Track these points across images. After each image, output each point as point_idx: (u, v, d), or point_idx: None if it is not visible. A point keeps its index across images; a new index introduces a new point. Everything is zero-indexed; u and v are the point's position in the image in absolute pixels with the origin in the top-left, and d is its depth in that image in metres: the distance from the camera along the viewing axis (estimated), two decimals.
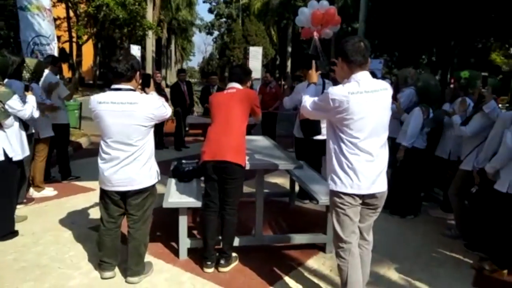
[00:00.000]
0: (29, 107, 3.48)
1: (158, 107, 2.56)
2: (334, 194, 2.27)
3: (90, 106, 2.53)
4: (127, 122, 2.45)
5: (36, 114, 3.60)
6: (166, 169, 3.86)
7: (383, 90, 2.20)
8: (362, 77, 2.17)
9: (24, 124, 3.64)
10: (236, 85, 3.11)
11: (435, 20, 8.47)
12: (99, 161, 2.58)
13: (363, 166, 2.17)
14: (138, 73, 2.55)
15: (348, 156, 2.18)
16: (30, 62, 4.37)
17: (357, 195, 2.21)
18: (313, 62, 2.78)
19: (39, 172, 4.55)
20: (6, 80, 3.56)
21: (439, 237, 3.81)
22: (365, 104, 2.12)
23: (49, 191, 4.65)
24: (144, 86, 2.73)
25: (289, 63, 32.50)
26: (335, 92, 2.15)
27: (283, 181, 5.52)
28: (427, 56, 17.15)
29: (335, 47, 24.63)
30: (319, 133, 4.45)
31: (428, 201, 4.79)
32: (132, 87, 2.52)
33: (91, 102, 2.51)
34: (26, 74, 4.24)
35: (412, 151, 4.14)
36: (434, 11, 8.35)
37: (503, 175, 2.94)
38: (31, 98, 3.59)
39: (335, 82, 5.07)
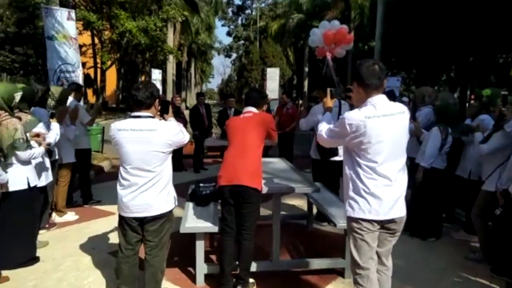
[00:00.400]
0: (53, 134, 3.62)
1: (176, 134, 2.60)
2: (351, 219, 2.24)
3: (110, 134, 2.60)
4: (146, 148, 2.49)
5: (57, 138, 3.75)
6: (184, 192, 3.91)
7: (400, 113, 2.18)
8: (379, 100, 2.16)
9: (48, 150, 3.78)
10: (253, 109, 3.16)
11: (452, 36, 8.40)
12: (118, 187, 2.63)
13: (381, 191, 2.13)
14: (157, 100, 2.61)
15: (365, 181, 2.16)
16: (55, 90, 4.57)
17: (376, 221, 2.17)
18: (328, 89, 2.80)
19: (61, 197, 4.67)
20: (32, 108, 3.73)
21: (462, 261, 3.68)
22: (383, 128, 2.11)
23: (70, 215, 4.76)
24: (163, 113, 2.79)
25: (306, 83, 32.62)
26: (352, 116, 2.15)
27: (301, 203, 5.48)
28: (446, 73, 16.91)
29: (352, 66, 24.65)
30: (336, 154, 4.43)
31: (450, 222, 4.65)
32: (151, 114, 2.57)
33: (111, 129, 2.58)
34: (51, 102, 4.43)
35: (431, 172, 4.05)
36: (451, 27, 8.30)
37: None
38: (55, 126, 3.74)
39: (352, 107, 5.08)
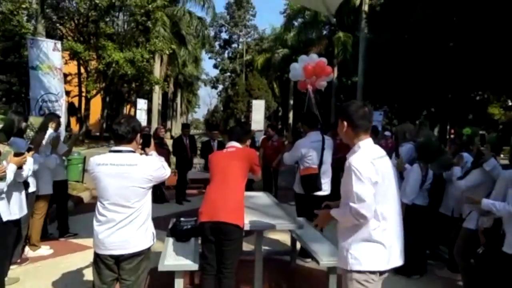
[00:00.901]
0: (26, 169, 3.49)
1: (157, 169, 2.54)
2: (357, 272, 2.04)
3: (89, 168, 2.54)
4: (126, 184, 2.43)
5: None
6: (165, 225, 3.80)
7: (385, 156, 2.18)
8: (369, 143, 2.14)
9: (25, 181, 3.66)
10: (236, 144, 3.16)
11: (431, 73, 8.74)
12: (94, 223, 2.53)
13: (390, 237, 2.01)
14: (138, 135, 2.58)
15: (372, 227, 2.01)
16: (35, 120, 4.49)
17: (384, 271, 2.06)
18: (321, 215, 2.40)
19: (36, 230, 4.49)
20: (11, 139, 3.64)
21: None
22: (385, 169, 2.07)
23: (45, 249, 4.56)
24: (144, 146, 2.75)
25: (291, 114, 33.16)
26: (363, 167, 1.98)
27: (285, 238, 5.38)
28: (427, 108, 17.45)
29: (335, 99, 25.24)
30: (320, 189, 4.42)
31: (434, 259, 4.62)
32: (132, 149, 2.53)
33: (90, 164, 2.53)
34: (30, 132, 4.34)
35: (413, 209, 4.05)
36: (429, 64, 8.64)
37: (510, 235, 2.86)
38: (29, 160, 3.63)
39: (334, 139, 5.12)
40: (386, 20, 9.49)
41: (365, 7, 17.99)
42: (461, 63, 8.23)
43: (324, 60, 8.01)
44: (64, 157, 5.33)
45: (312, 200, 4.45)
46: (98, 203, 2.53)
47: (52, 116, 5.25)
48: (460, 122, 9.20)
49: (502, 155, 4.17)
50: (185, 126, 8.59)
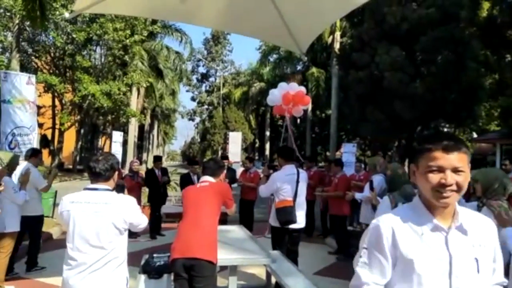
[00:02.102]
0: None
1: (134, 212, 2.41)
2: None
3: (60, 207, 2.40)
4: (100, 223, 2.31)
5: None
6: (138, 261, 3.72)
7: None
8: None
9: None
10: (209, 179, 3.16)
11: (399, 107, 9.16)
12: (64, 267, 2.38)
13: None
14: (116, 173, 2.49)
15: None
16: (4, 155, 4.40)
17: None
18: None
19: (0, 269, 4.28)
20: None
21: None
22: None
23: None
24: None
25: (267, 146, 33.53)
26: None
27: (260, 272, 5.34)
28: (398, 140, 18.07)
29: (310, 131, 25.77)
30: (294, 221, 4.43)
31: None
32: (109, 187, 2.43)
33: (62, 202, 2.40)
34: None
35: None
36: (396, 99, 9.07)
37: None
38: None
39: (309, 170, 5.19)
40: (354, 58, 9.99)
41: (337, 45, 18.89)
42: (425, 97, 8.72)
43: (303, 89, 8.29)
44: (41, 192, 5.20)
45: (288, 233, 4.48)
46: (68, 246, 2.37)
47: (29, 152, 5.20)
48: None
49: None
50: (157, 159, 8.38)
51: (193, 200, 3.02)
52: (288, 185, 4.43)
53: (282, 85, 8.52)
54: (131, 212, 2.39)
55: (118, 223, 2.34)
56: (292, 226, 4.42)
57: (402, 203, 4.00)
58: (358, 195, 5.29)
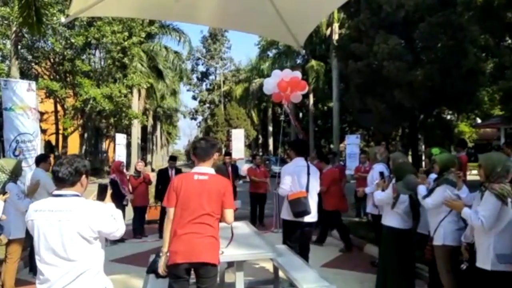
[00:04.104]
0: None
1: (102, 219, 2.15)
2: None
3: (26, 216, 2.20)
4: (64, 232, 2.06)
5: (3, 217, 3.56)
6: (145, 262, 3.75)
7: None
8: None
9: None
10: (208, 170, 2.86)
11: (400, 96, 9.12)
12: (36, 282, 2.18)
13: None
14: (83, 176, 2.23)
15: None
16: (7, 162, 4.43)
17: None
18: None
19: (9, 276, 4.33)
20: None
21: None
22: None
23: None
24: (98, 199, 2.42)
25: (271, 141, 33.56)
26: None
27: (267, 266, 5.36)
28: (401, 129, 18.00)
29: (313, 124, 25.71)
30: (309, 212, 4.30)
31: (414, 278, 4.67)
32: (76, 193, 2.20)
33: (28, 211, 2.19)
34: (2, 175, 4.27)
35: (393, 232, 4.07)
36: (397, 88, 9.01)
37: (480, 250, 2.95)
38: None
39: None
40: (352, 49, 9.94)
41: (335, 36, 18.80)
42: (425, 85, 8.67)
43: (298, 74, 8.24)
44: None
45: (300, 227, 4.37)
46: (36, 258, 2.15)
47: (39, 157, 5.28)
48: (432, 142, 9.57)
49: (474, 171, 4.29)
50: (172, 158, 8.34)
51: (194, 196, 2.75)
52: (299, 177, 4.32)
53: (276, 72, 8.52)
54: (99, 219, 2.13)
55: (84, 232, 2.09)
56: (305, 219, 4.31)
57: (404, 193, 3.98)
58: (368, 190, 5.24)
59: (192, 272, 2.81)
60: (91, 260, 2.14)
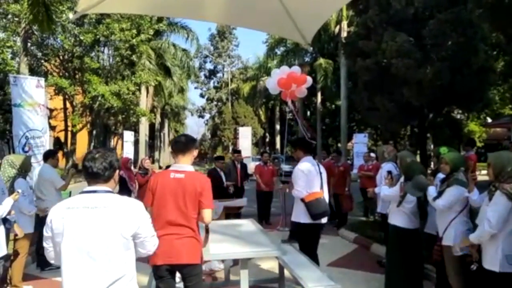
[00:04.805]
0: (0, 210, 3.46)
1: (143, 218, 1.99)
2: None
3: (51, 217, 1.95)
4: (103, 231, 1.88)
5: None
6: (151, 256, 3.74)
7: None
8: None
9: (4, 218, 3.62)
10: (185, 167, 2.75)
11: (408, 95, 9.03)
12: None
13: None
14: (117, 172, 2.10)
15: None
16: (16, 158, 4.47)
17: None
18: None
19: (18, 270, 4.37)
20: None
21: None
22: None
23: None
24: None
25: (278, 139, 33.53)
26: None
27: (273, 265, 5.35)
28: (410, 128, 17.85)
29: (321, 123, 25.59)
30: (329, 213, 4.24)
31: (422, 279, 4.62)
32: (110, 189, 2.04)
33: (56, 210, 1.96)
34: (11, 171, 4.32)
35: (400, 232, 4.03)
36: (405, 86, 8.93)
37: (486, 251, 2.91)
38: (7, 202, 3.59)
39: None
40: (360, 46, 9.85)
41: (344, 34, 18.67)
42: (434, 83, 8.57)
43: (295, 70, 8.25)
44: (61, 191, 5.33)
45: (318, 229, 4.24)
46: (64, 263, 1.89)
47: (47, 153, 5.40)
48: (441, 141, 9.46)
49: (484, 171, 4.23)
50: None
51: (168, 196, 2.66)
52: (312, 177, 4.18)
53: (275, 71, 8.56)
54: (140, 217, 1.97)
55: (126, 231, 1.92)
56: (322, 220, 4.19)
57: (414, 195, 3.90)
58: (377, 190, 5.17)
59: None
60: (128, 264, 1.96)
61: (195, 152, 2.87)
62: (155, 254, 2.48)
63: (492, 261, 2.86)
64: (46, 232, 1.96)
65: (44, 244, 2.01)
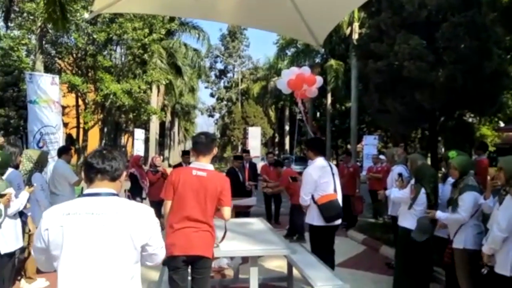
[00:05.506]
0: (16, 205, 3.53)
1: (158, 229, 1.78)
2: None
3: (42, 224, 1.65)
4: (110, 240, 1.62)
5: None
6: None
7: None
8: None
9: (21, 212, 3.72)
10: (206, 166, 2.85)
11: (416, 97, 8.98)
12: None
13: None
14: (124, 172, 1.86)
15: None
16: (33, 153, 4.59)
17: None
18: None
19: (32, 262, 4.47)
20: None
21: None
22: None
23: (41, 282, 4.54)
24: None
25: (287, 140, 33.51)
26: None
27: (281, 264, 5.38)
28: (421, 131, 17.69)
29: (330, 124, 25.51)
30: (342, 215, 4.23)
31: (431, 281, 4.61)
32: (115, 192, 1.75)
33: (48, 216, 1.66)
34: (29, 165, 4.43)
35: (410, 233, 4.02)
36: (417, 89, 8.89)
37: (498, 255, 2.90)
38: (23, 195, 3.67)
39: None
40: (372, 48, 9.80)
41: (355, 36, 18.60)
42: (446, 86, 8.50)
43: (304, 70, 8.32)
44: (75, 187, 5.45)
45: (330, 231, 4.22)
46: (64, 281, 1.60)
47: (61, 149, 5.54)
48: (452, 145, 9.38)
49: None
50: (185, 153, 8.14)
51: (190, 192, 2.75)
52: (325, 179, 4.13)
53: (284, 72, 8.64)
54: (151, 225, 1.74)
55: (137, 242, 1.67)
56: (336, 222, 4.17)
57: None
58: (388, 192, 5.15)
59: None
60: (135, 279, 1.71)
61: (215, 151, 2.97)
62: (173, 244, 2.65)
63: (503, 265, 2.85)
64: (39, 243, 1.65)
65: (34, 255, 1.75)
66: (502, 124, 19.86)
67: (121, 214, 1.66)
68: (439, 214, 3.66)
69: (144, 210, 1.76)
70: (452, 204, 3.52)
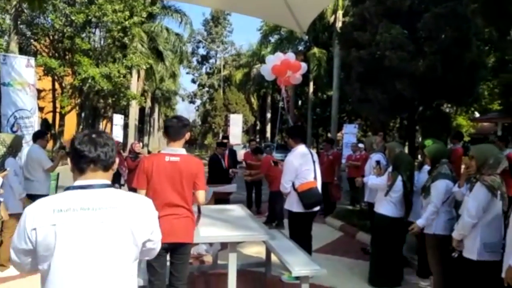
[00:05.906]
0: None
1: (158, 222, 1.64)
2: None
3: (33, 225, 1.40)
4: (111, 238, 1.45)
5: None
6: None
7: None
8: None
9: None
10: (179, 150, 2.82)
11: (397, 86, 9.11)
12: None
13: None
14: (117, 159, 1.66)
15: None
16: (7, 137, 4.45)
17: None
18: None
19: (5, 249, 4.38)
20: None
21: None
22: None
23: (14, 269, 4.44)
24: None
25: (268, 128, 33.64)
26: None
27: (260, 250, 5.43)
28: (399, 120, 18.02)
29: (312, 112, 25.66)
30: (321, 202, 4.34)
31: (404, 266, 4.76)
32: (107, 182, 1.55)
33: (38, 216, 1.41)
34: (2, 149, 4.29)
35: (390, 220, 4.12)
36: (393, 77, 9.02)
37: (468, 242, 3.01)
38: None
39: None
40: (355, 37, 9.85)
41: (339, 24, 18.61)
42: (426, 76, 8.65)
43: (289, 56, 8.32)
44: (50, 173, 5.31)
45: (310, 217, 4.32)
46: (57, 280, 1.40)
47: (37, 133, 5.37)
48: (429, 134, 9.62)
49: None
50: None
51: (165, 178, 2.73)
52: (306, 166, 4.18)
53: (269, 58, 8.62)
54: (154, 221, 1.61)
55: (139, 238, 1.52)
56: (315, 209, 4.25)
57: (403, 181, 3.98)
58: (366, 179, 5.24)
59: None
60: (133, 277, 1.56)
61: (187, 136, 2.91)
62: None
63: (470, 250, 2.97)
64: (24, 244, 1.41)
65: (14, 258, 1.48)
66: (477, 115, 20.45)
67: (120, 208, 1.48)
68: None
69: (144, 202, 1.61)
70: (425, 191, 3.62)
